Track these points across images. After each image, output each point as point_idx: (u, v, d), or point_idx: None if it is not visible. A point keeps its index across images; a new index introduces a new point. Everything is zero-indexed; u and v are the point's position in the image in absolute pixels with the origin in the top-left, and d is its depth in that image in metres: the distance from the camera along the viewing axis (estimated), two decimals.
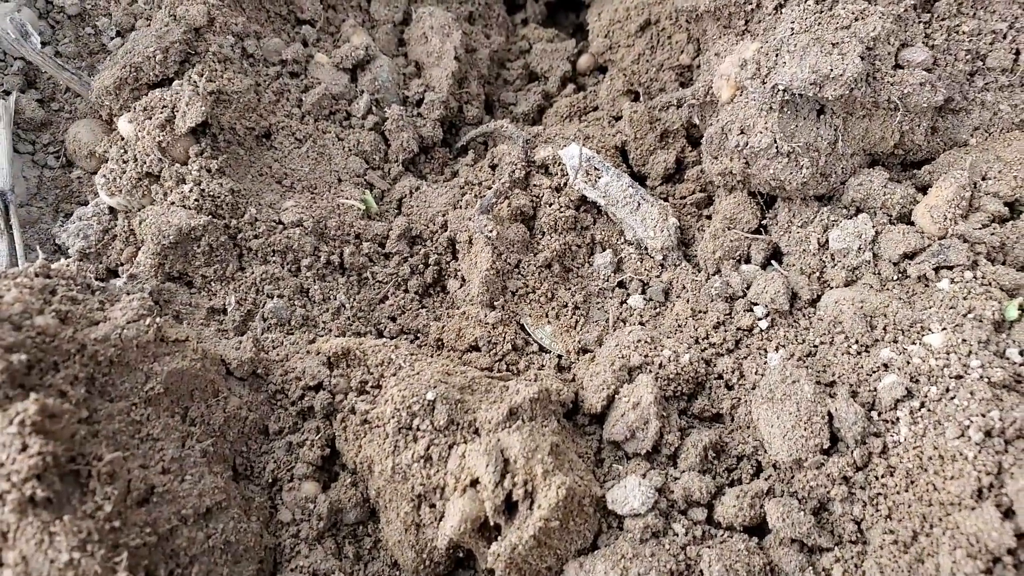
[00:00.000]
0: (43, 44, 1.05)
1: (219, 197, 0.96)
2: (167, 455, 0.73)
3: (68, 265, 0.79)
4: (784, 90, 0.88)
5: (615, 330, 0.96)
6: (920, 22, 0.89)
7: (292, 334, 0.93)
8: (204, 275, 0.95)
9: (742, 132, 0.93)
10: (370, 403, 0.83)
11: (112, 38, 1.09)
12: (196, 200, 0.95)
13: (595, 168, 1.02)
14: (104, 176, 0.96)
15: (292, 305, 0.95)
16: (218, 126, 0.99)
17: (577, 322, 0.98)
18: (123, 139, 0.97)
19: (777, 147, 0.90)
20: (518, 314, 0.98)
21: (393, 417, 0.79)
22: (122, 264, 0.97)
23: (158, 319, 0.77)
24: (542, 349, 0.97)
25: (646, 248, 1.00)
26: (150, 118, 0.95)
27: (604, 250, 1.02)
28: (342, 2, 1.20)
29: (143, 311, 0.76)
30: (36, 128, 1.04)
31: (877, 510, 0.76)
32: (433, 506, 0.78)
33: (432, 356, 0.94)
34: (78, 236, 0.97)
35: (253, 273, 0.95)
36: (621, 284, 1.01)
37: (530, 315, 0.97)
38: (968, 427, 0.73)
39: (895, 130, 0.89)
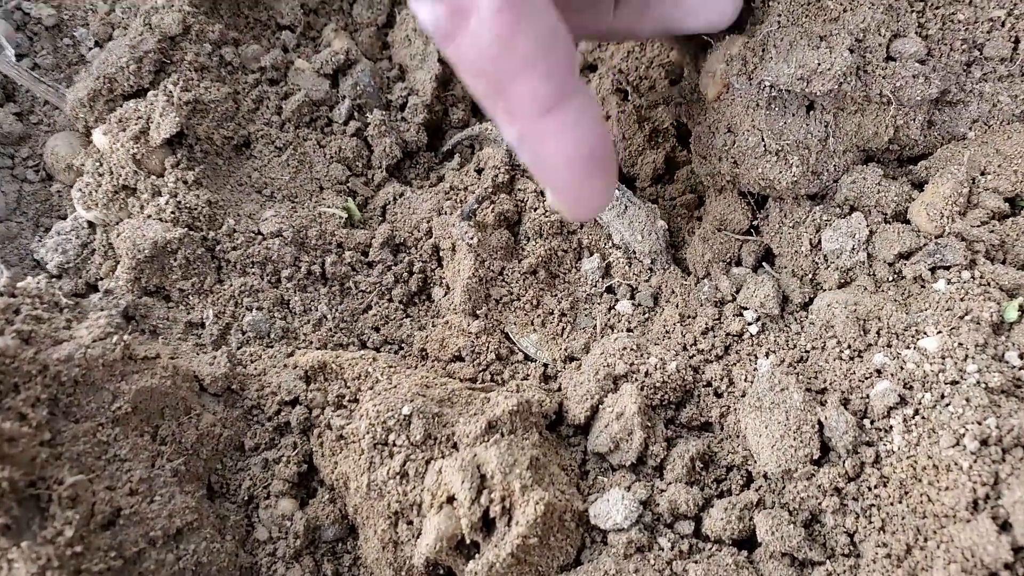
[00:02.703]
0: (20, 56, 1.04)
1: (196, 209, 0.94)
2: (135, 476, 0.71)
3: (36, 283, 0.77)
4: (771, 86, 0.85)
5: (603, 337, 0.93)
6: (913, 11, 0.86)
7: (271, 347, 0.92)
8: (181, 289, 0.93)
9: (729, 131, 0.90)
10: (346, 418, 0.81)
11: (91, 48, 1.08)
12: (172, 212, 0.93)
13: None
14: (80, 190, 0.95)
15: (272, 317, 0.94)
16: (194, 136, 0.97)
17: (564, 329, 0.95)
18: (99, 152, 0.96)
19: (765, 145, 0.87)
20: (502, 322, 0.95)
21: (368, 433, 0.77)
22: (101, 279, 0.96)
23: (126, 336, 0.75)
24: (527, 358, 0.95)
25: (634, 252, 0.98)
26: (124, 130, 0.94)
27: (591, 255, 0.99)
28: (323, 6, 1.18)
29: (110, 328, 0.74)
30: (15, 142, 1.03)
31: (870, 522, 0.73)
32: (410, 523, 0.76)
33: (415, 367, 0.92)
34: (56, 251, 0.96)
35: (231, 285, 0.94)
36: (609, 289, 0.98)
37: (515, 323, 0.95)
38: (963, 435, 0.70)
39: (889, 125, 0.86)
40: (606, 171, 0.75)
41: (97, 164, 0.95)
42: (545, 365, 0.94)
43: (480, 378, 0.92)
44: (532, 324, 0.96)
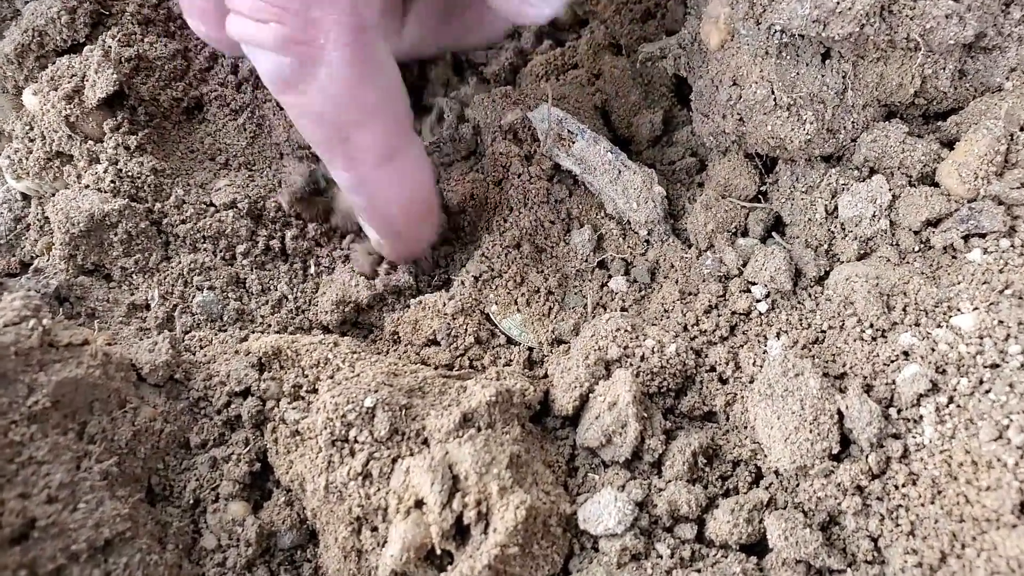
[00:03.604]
0: None
1: (139, 178, 0.85)
2: (54, 481, 0.62)
3: None
4: (782, 31, 0.75)
5: (595, 317, 0.84)
6: None
7: (224, 331, 0.82)
8: (123, 267, 0.83)
9: (735, 83, 0.80)
10: (303, 411, 0.72)
11: (27, 2, 0.98)
12: (112, 182, 0.84)
13: (569, 131, 0.89)
14: (8, 157, 0.85)
15: (225, 298, 0.84)
16: (137, 97, 0.87)
17: (551, 309, 0.86)
18: (29, 114, 0.86)
19: (775, 99, 0.78)
20: (482, 302, 0.85)
21: (326, 428, 0.68)
22: (37, 256, 0.86)
23: (45, 321, 0.66)
24: (510, 341, 0.85)
25: (628, 222, 0.88)
26: (56, 89, 0.84)
27: (582, 226, 0.90)
28: None
29: (26, 312, 0.65)
30: None
31: (897, 525, 0.64)
32: (375, 529, 0.67)
33: (384, 353, 0.82)
34: None
35: (180, 263, 0.84)
36: (601, 264, 0.89)
37: (496, 303, 0.85)
38: (1007, 427, 0.61)
39: (915, 75, 0.76)
40: (433, 215, 0.85)
41: (27, 128, 0.86)
42: (530, 349, 0.84)
43: (457, 364, 0.82)
44: (516, 303, 0.86)
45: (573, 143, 0.89)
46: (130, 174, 0.84)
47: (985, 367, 0.64)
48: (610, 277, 0.88)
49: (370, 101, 0.72)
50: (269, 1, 0.66)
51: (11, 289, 0.74)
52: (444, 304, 0.83)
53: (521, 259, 0.87)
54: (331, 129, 0.73)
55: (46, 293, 0.77)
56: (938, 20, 0.71)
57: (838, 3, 0.70)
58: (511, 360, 0.83)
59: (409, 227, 0.83)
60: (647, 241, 0.88)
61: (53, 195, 0.86)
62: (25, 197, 0.88)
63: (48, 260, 0.84)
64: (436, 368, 0.80)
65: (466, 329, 0.83)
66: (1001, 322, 0.65)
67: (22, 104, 0.89)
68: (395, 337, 0.85)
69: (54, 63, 0.86)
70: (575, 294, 0.87)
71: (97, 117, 0.85)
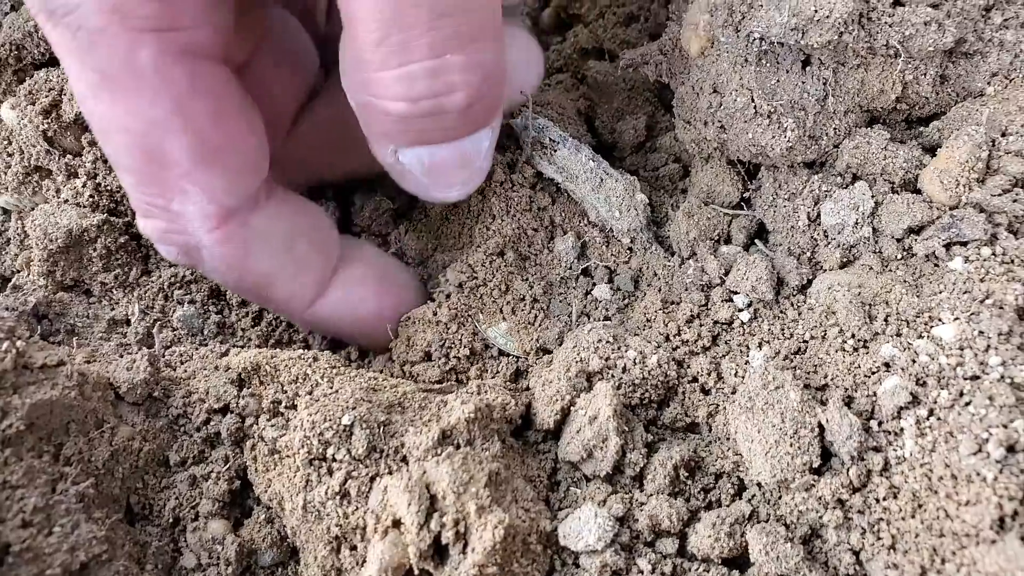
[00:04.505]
0: None
1: (118, 192, 0.84)
2: (29, 505, 0.61)
3: None
4: (761, 38, 0.74)
5: (579, 326, 0.83)
6: None
7: (205, 345, 0.82)
8: (103, 282, 0.83)
9: (715, 91, 0.80)
10: (281, 428, 0.71)
11: (6, 13, 0.97)
12: (91, 196, 0.83)
13: (550, 139, 0.89)
14: None
15: (206, 312, 0.84)
16: None
17: (536, 317, 0.85)
18: (7, 129, 0.85)
19: (756, 107, 0.77)
20: (472, 308, 0.85)
21: (303, 446, 0.67)
22: (17, 271, 0.86)
23: (19, 343, 0.65)
24: (502, 353, 0.85)
25: (611, 230, 0.87)
26: (33, 104, 0.83)
27: (565, 233, 0.89)
28: None
29: None
30: None
31: (879, 539, 0.64)
32: (354, 548, 0.67)
33: (366, 366, 0.82)
34: None
35: (160, 277, 0.84)
36: (586, 272, 0.88)
37: (481, 311, 0.85)
38: (987, 440, 0.60)
39: (896, 81, 0.75)
40: (395, 314, 0.84)
41: (5, 143, 0.85)
42: (518, 358, 0.84)
43: (452, 378, 0.82)
44: (501, 312, 0.86)
45: (555, 151, 0.88)
46: (108, 188, 0.84)
47: (965, 379, 0.64)
48: (594, 285, 0.87)
49: (264, 269, 0.75)
50: (140, 199, 0.70)
51: None
52: (435, 314, 0.83)
53: (505, 267, 0.87)
54: (246, 294, 0.78)
55: (24, 311, 0.77)
56: (917, 27, 0.70)
57: (816, 11, 0.69)
58: (496, 373, 0.82)
59: (375, 337, 0.84)
60: (630, 249, 0.88)
61: (32, 210, 0.85)
62: (5, 212, 0.88)
63: (27, 276, 0.83)
64: (417, 381, 0.79)
65: (460, 340, 0.82)
66: (981, 333, 0.65)
67: (0, 119, 0.89)
68: (388, 357, 0.85)
69: (32, 77, 0.86)
70: (560, 302, 0.87)
71: (75, 131, 0.84)
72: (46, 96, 0.83)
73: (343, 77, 0.70)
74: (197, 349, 0.81)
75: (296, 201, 0.79)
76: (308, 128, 0.85)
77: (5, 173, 0.85)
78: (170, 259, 0.75)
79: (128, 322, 0.83)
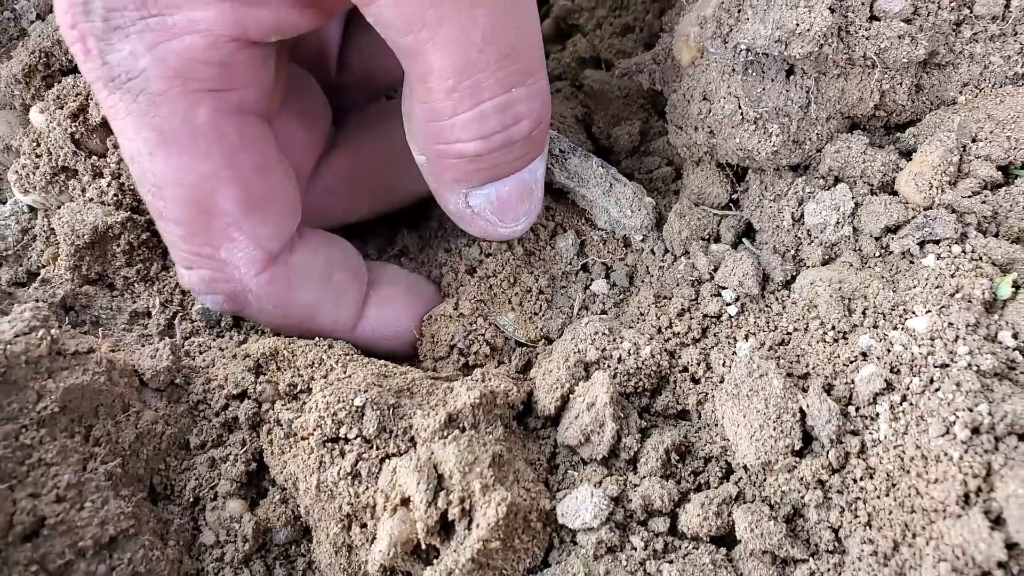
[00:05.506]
0: None
1: None
2: (63, 481, 0.66)
3: None
4: (747, 49, 0.79)
5: (579, 318, 0.88)
6: None
7: (223, 335, 0.86)
8: (126, 276, 0.88)
9: (705, 98, 0.84)
10: (297, 411, 0.76)
11: (32, 21, 1.02)
12: (115, 195, 0.88)
13: (560, 150, 0.93)
14: (16, 172, 0.89)
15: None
16: None
17: (540, 308, 0.90)
18: (36, 131, 0.90)
19: (743, 113, 0.82)
20: (483, 301, 0.89)
21: (317, 427, 0.72)
22: (44, 266, 0.90)
23: (53, 331, 0.70)
24: (519, 344, 0.89)
25: (614, 231, 0.92)
26: (61, 108, 0.88)
27: (566, 231, 0.94)
28: None
29: (35, 322, 0.69)
30: None
31: (856, 517, 0.68)
32: (364, 526, 0.71)
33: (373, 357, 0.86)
34: None
35: None
36: (585, 268, 0.93)
37: (492, 301, 0.90)
38: (954, 423, 0.65)
39: (874, 90, 0.80)
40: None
41: (34, 144, 0.90)
42: (530, 349, 0.88)
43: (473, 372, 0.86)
44: (510, 302, 0.91)
45: (567, 160, 0.93)
46: (131, 188, 0.88)
47: (935, 367, 0.68)
48: (592, 280, 0.92)
49: (308, 301, 0.79)
50: (188, 251, 0.73)
51: (20, 300, 0.78)
52: (455, 308, 0.87)
53: (514, 260, 0.91)
54: (292, 329, 0.82)
55: (53, 303, 0.81)
56: (891, 40, 0.75)
57: (798, 25, 0.74)
58: (502, 362, 0.86)
59: (412, 346, 0.89)
60: (626, 246, 0.92)
61: (59, 208, 0.90)
62: (32, 210, 0.93)
63: (54, 270, 0.88)
64: (424, 369, 0.84)
65: (482, 333, 0.87)
66: (951, 324, 0.69)
67: (29, 121, 0.94)
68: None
69: (60, 83, 0.90)
70: (562, 295, 0.91)
71: (100, 134, 0.89)
72: (73, 101, 0.88)
73: (410, 138, 0.75)
74: (215, 340, 0.85)
75: (324, 235, 0.84)
76: (327, 178, 0.90)
77: (33, 173, 0.89)
78: (213, 308, 0.79)
79: (149, 314, 0.87)
